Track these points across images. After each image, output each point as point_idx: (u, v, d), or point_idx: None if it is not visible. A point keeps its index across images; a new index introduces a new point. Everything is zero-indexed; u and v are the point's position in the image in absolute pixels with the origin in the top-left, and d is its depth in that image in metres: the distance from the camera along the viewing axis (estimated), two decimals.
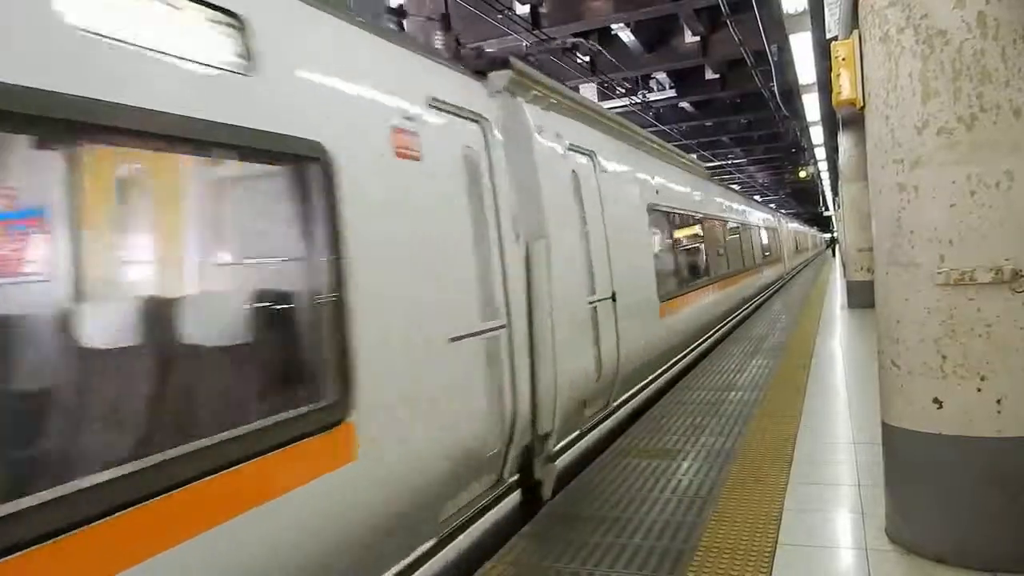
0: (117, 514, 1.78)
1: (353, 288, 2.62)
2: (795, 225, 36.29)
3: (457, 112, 3.66)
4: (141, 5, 2.04)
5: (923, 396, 2.95)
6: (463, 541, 3.33)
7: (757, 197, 36.85)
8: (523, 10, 11.32)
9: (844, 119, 12.54)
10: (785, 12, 7.63)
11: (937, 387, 2.91)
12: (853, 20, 3.97)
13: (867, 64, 3.19)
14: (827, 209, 49.83)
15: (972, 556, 2.85)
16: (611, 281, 5.47)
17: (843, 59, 3.41)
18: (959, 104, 2.81)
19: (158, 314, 2.36)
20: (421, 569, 2.97)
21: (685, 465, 4.46)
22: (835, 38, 6.91)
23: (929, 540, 2.99)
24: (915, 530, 3.08)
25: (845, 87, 3.43)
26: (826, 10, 7.06)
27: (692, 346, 8.40)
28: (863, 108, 3.32)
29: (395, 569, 2.83)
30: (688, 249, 9.18)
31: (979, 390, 2.82)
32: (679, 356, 7.73)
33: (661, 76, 17.31)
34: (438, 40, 7.03)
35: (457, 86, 3.81)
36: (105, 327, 2.29)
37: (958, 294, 2.84)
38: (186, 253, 2.72)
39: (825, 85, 10.67)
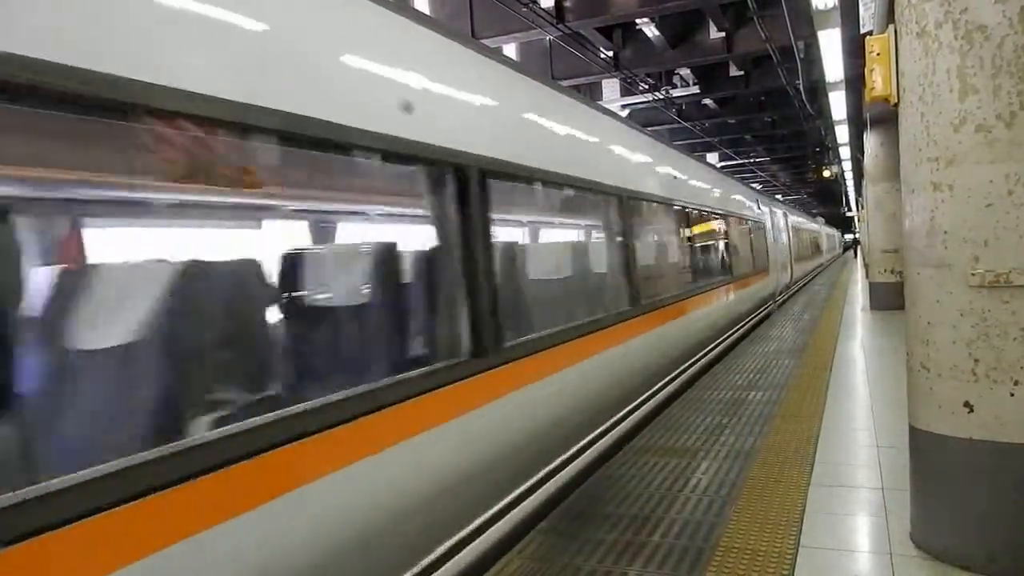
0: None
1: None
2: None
3: None
4: None
5: (953, 400, 2.89)
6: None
7: (779, 196, 35.30)
8: (547, 3, 11.26)
9: (872, 118, 12.35)
10: (814, 7, 7.52)
11: (968, 391, 2.84)
12: (889, 15, 3.89)
13: (902, 60, 3.12)
14: (850, 210, 49.21)
15: (1002, 565, 2.79)
16: None
17: (877, 54, 3.34)
18: (998, 101, 2.74)
19: None
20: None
21: (705, 464, 4.42)
22: (869, 33, 6.79)
23: (957, 547, 2.94)
24: (942, 536, 3.02)
25: (879, 83, 3.36)
26: (860, 5, 6.94)
27: None
28: (897, 105, 3.25)
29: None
30: None
31: (1012, 395, 2.75)
32: None
33: (685, 72, 17.16)
34: None
35: None
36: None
37: (992, 296, 2.78)
38: None
39: (853, 82, 10.52)
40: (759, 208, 13.63)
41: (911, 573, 2.95)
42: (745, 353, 8.73)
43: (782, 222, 17.22)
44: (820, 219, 41.11)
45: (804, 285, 21.89)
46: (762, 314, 12.86)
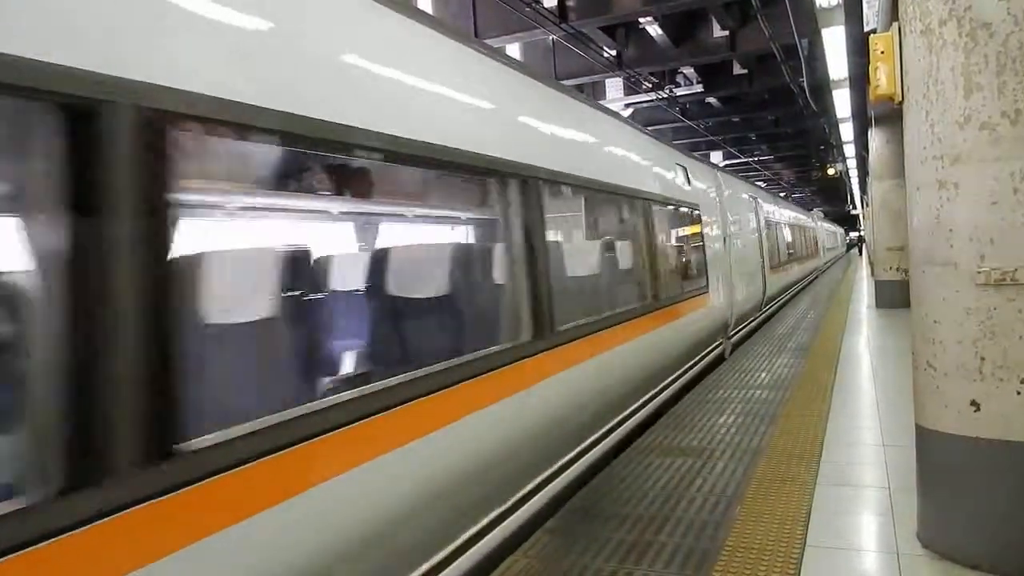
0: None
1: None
2: None
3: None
4: None
5: (960, 398, 2.88)
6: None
7: (783, 195, 34.73)
8: (550, 3, 11.26)
9: (876, 116, 12.33)
10: (818, 5, 7.51)
11: (975, 389, 2.84)
12: (893, 12, 3.88)
13: (907, 58, 3.11)
14: (854, 207, 49.07)
15: (1009, 564, 2.78)
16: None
17: (882, 52, 3.33)
18: (1003, 99, 2.73)
19: None
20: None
21: (710, 463, 4.41)
22: (873, 31, 6.77)
23: (964, 546, 2.93)
24: (949, 536, 3.01)
25: (883, 81, 3.36)
26: (864, 3, 6.92)
27: None
28: (901, 103, 3.24)
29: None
30: None
31: (1019, 393, 2.74)
32: None
33: (688, 71, 17.14)
34: None
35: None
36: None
37: (998, 294, 2.77)
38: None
39: (857, 80, 10.50)
40: (688, 184, 7.91)
41: (918, 572, 2.94)
42: (748, 353, 8.72)
43: (745, 210, 11.22)
44: (818, 212, 33.82)
45: (795, 294, 16.49)
46: (690, 374, 7.30)
